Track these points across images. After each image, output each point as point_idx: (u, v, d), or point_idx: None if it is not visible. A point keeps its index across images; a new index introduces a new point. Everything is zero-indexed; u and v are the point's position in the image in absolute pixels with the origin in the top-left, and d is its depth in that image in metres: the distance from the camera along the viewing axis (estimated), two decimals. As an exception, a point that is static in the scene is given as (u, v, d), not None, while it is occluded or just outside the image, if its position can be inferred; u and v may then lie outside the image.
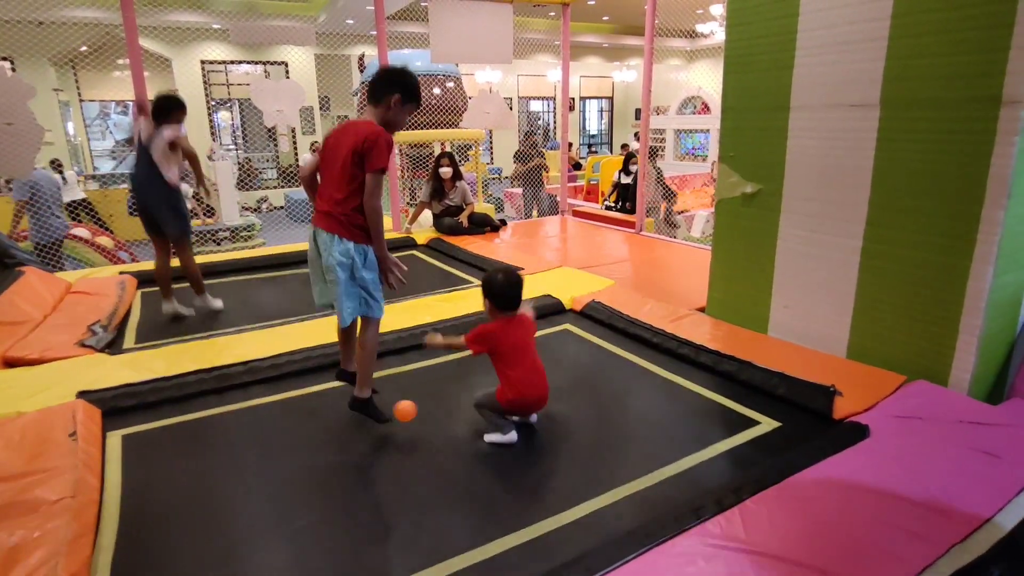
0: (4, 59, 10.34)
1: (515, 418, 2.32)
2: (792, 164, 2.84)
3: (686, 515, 1.68)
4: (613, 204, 7.09)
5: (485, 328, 2.25)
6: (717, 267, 3.28)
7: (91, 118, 13.49)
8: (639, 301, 3.53)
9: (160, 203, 3.52)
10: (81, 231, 7.12)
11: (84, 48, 11.18)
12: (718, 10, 10.01)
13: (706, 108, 17.58)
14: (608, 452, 2.21)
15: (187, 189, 7.69)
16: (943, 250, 2.34)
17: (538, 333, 3.23)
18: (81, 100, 12.59)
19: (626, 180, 7.23)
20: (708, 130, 16.99)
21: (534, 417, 2.38)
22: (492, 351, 2.24)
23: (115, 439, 2.27)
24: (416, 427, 2.33)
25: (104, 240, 7.25)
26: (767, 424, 2.33)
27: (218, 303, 3.79)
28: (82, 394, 2.48)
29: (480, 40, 5.87)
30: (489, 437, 2.25)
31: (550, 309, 3.60)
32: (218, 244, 8.69)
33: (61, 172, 8.73)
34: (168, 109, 3.48)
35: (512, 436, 2.23)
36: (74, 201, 8.68)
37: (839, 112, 2.61)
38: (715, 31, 10.22)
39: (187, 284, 3.76)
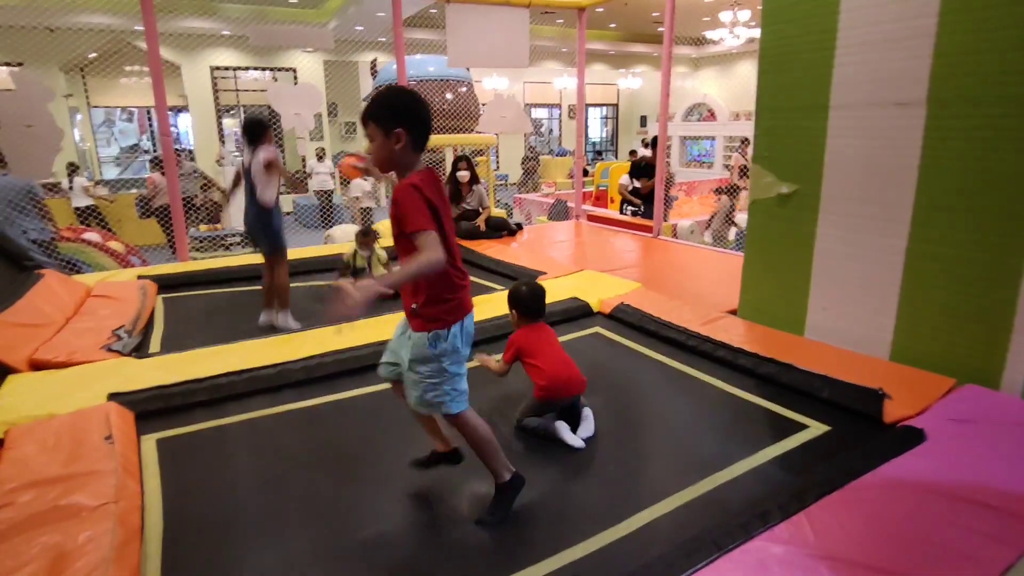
0: (18, 64, 10.38)
1: (562, 426, 2.24)
2: (832, 163, 2.80)
3: (752, 521, 1.63)
4: (637, 208, 7.08)
5: (512, 338, 2.36)
6: (750, 269, 3.24)
7: (97, 125, 13.50)
8: (667, 303, 3.48)
9: (255, 222, 3.63)
10: (91, 235, 7.09)
11: (93, 55, 11.19)
12: (728, 17, 10.02)
13: (712, 115, 17.64)
14: (657, 458, 2.16)
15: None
16: (995, 249, 2.29)
17: (569, 336, 3.23)
18: (90, 106, 12.59)
19: (637, 185, 7.24)
20: (714, 137, 17.07)
21: (590, 427, 2.28)
22: (520, 353, 2.31)
23: (150, 443, 2.21)
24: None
25: (115, 244, 7.21)
26: (816, 428, 2.28)
27: (295, 325, 3.65)
28: (114, 396, 2.43)
29: (497, 44, 5.85)
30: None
31: (578, 312, 3.55)
32: (227, 249, 8.65)
33: (75, 176, 8.72)
34: (261, 131, 3.57)
35: (568, 436, 2.20)
36: (79, 208, 8.67)
37: (882, 111, 2.57)
38: (724, 38, 10.23)
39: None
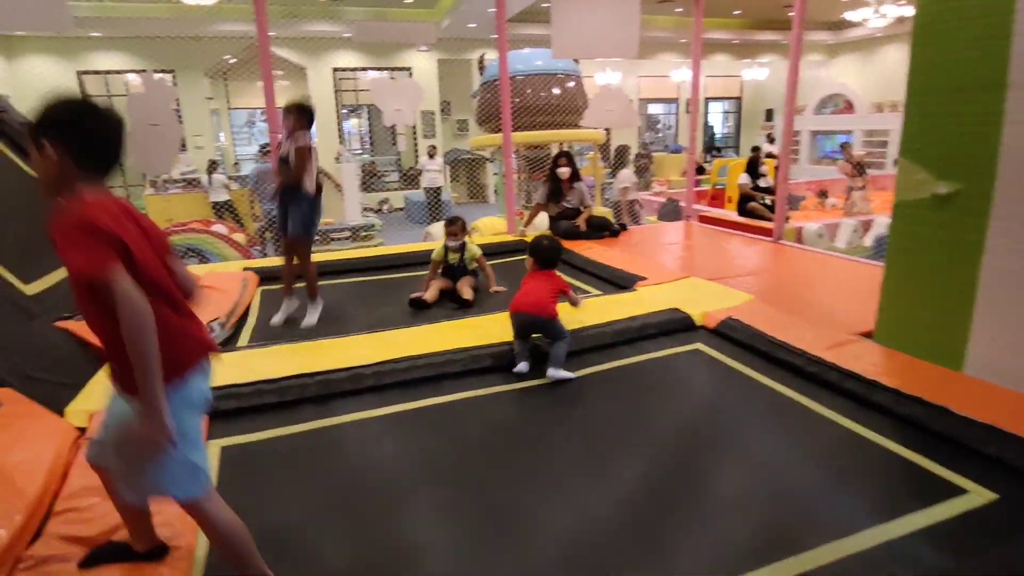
0: (169, 71, 11.51)
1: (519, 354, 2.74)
2: (1009, 157, 2.22)
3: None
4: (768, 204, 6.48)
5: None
6: (892, 285, 2.69)
7: (238, 125, 14.69)
8: (784, 320, 3.01)
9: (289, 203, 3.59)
10: (219, 227, 7.65)
11: (233, 60, 12.15)
12: (873, -6, 8.90)
13: (849, 107, 15.97)
14: (757, 512, 1.78)
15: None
16: None
17: (663, 352, 2.88)
18: (230, 108, 13.72)
19: (761, 184, 6.60)
20: (851, 131, 15.44)
21: (555, 363, 2.66)
22: None
23: (214, 450, 2.16)
24: (543, 453, 2.03)
25: (239, 236, 7.73)
26: (979, 495, 1.78)
27: (312, 320, 3.64)
28: (189, 391, 2.42)
29: (604, 33, 5.51)
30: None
31: (677, 325, 3.17)
32: (335, 243, 8.96)
33: (213, 173, 9.47)
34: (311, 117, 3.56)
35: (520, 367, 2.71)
36: (217, 202, 9.42)
37: (1090, 87, 1.98)
38: (868, 18, 9.09)
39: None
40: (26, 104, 3.91)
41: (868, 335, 2.83)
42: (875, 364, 2.48)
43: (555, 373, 2.64)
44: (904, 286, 2.63)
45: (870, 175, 8.75)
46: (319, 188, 3.58)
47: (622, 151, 7.73)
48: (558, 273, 3.00)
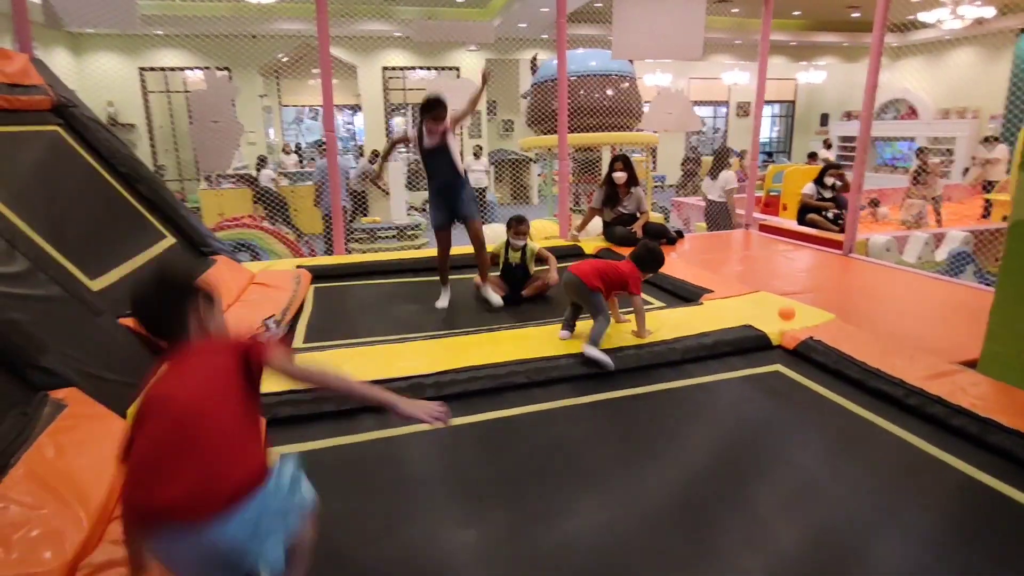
0: (225, 69, 11.74)
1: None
2: None
3: None
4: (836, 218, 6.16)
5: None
6: (1004, 311, 2.45)
7: (287, 122, 14.94)
8: (871, 343, 2.79)
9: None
10: (269, 223, 7.73)
11: (285, 58, 12.34)
12: (951, -6, 8.42)
13: (913, 113, 15.28)
14: (867, 565, 1.60)
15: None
16: None
17: (739, 373, 2.71)
18: (281, 105, 13.95)
19: (827, 195, 6.29)
20: (914, 137, 14.76)
21: (593, 340, 2.75)
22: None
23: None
24: (609, 476, 1.89)
25: (288, 232, 7.80)
26: None
27: (496, 299, 3.76)
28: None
29: (667, 34, 5.33)
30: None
31: (752, 343, 2.98)
32: (376, 241, 8.94)
33: (263, 168, 9.59)
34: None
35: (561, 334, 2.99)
36: (262, 197, 9.52)
37: None
38: (943, 20, 8.61)
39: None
40: (91, 99, 3.96)
41: (970, 364, 2.59)
42: (986, 399, 2.25)
43: (587, 349, 2.72)
44: (1019, 313, 2.39)
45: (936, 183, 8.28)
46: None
47: (724, 152, 7.52)
48: (635, 272, 3.00)
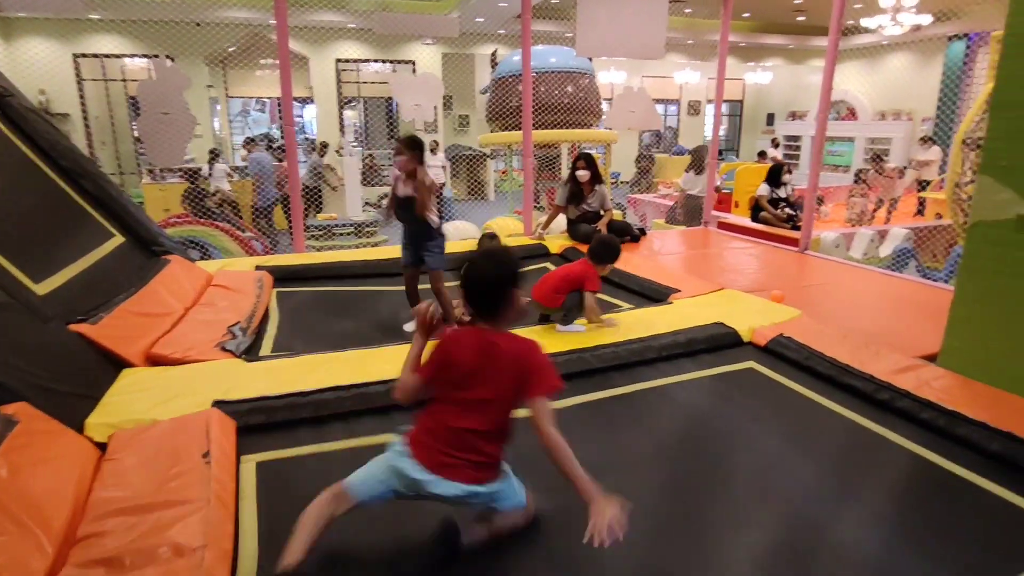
0: (168, 58, 11.20)
1: None
2: (1105, 178, 2.10)
3: None
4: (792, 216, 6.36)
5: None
6: (964, 308, 2.57)
7: (233, 114, 14.38)
8: (838, 339, 2.88)
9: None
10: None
11: (232, 48, 11.85)
12: (889, 1, 8.81)
13: (852, 114, 15.98)
14: (839, 551, 1.63)
15: None
16: None
17: (715, 370, 2.74)
18: (228, 97, 13.41)
19: (781, 194, 6.50)
20: (853, 138, 15.44)
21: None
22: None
23: (249, 466, 1.99)
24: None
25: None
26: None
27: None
28: (217, 403, 2.25)
29: (630, 33, 5.37)
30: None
31: (724, 340, 3.02)
32: (333, 238, 8.71)
33: (215, 163, 9.16)
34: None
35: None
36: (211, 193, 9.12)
37: None
38: (883, 25, 9.01)
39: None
40: (21, 87, 3.68)
41: (929, 358, 2.71)
42: (949, 392, 2.35)
43: (559, 328, 3.02)
44: (978, 310, 2.51)
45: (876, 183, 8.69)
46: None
47: (701, 152, 7.65)
48: (588, 271, 3.08)
